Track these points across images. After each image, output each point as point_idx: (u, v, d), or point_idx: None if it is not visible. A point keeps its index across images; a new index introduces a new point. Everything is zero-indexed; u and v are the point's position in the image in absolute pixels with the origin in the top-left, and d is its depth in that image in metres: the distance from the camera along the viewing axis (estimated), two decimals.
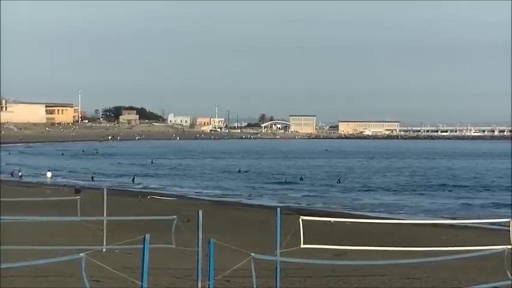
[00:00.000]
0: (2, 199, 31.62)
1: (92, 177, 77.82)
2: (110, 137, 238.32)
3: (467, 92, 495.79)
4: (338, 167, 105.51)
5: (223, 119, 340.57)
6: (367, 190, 68.65)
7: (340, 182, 76.52)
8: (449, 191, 68.62)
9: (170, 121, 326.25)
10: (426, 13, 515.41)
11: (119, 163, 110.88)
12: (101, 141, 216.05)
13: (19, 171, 78.57)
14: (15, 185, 62.48)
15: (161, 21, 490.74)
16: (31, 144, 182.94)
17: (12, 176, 75.57)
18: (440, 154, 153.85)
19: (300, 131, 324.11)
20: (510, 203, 54.43)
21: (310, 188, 71.17)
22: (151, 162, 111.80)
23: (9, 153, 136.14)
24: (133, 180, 75.30)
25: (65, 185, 63.89)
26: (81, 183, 66.54)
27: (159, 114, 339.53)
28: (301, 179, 79.86)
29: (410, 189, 69.71)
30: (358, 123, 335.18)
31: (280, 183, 76.05)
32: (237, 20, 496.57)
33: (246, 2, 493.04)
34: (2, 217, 24.98)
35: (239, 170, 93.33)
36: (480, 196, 63.36)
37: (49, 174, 79.37)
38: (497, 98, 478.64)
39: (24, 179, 72.53)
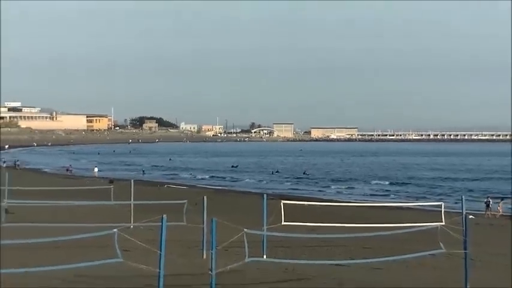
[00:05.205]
0: (54, 188, 31.53)
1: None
2: (130, 140, 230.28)
3: (411, 102, 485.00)
4: (305, 163, 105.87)
5: (222, 126, 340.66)
6: (329, 180, 69.29)
7: (306, 174, 77.02)
8: (393, 183, 68.92)
9: (182, 128, 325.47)
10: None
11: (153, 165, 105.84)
12: (128, 143, 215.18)
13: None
14: (62, 177, 62.28)
15: (172, 51, 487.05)
16: (77, 146, 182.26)
17: (67, 171, 71.79)
18: (394, 153, 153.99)
19: (281, 135, 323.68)
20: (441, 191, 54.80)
21: (284, 178, 71.53)
22: (169, 160, 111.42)
23: (73, 153, 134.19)
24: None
25: (102, 177, 63.61)
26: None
27: (173, 123, 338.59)
28: (277, 171, 79.98)
29: (364, 178, 69.95)
30: (326, 129, 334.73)
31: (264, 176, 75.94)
32: (234, 51, 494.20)
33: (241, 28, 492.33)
34: (57, 201, 24.90)
35: (232, 166, 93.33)
36: (417, 186, 63.57)
37: (96, 169, 75.77)
38: (432, 105, 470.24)
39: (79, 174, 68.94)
